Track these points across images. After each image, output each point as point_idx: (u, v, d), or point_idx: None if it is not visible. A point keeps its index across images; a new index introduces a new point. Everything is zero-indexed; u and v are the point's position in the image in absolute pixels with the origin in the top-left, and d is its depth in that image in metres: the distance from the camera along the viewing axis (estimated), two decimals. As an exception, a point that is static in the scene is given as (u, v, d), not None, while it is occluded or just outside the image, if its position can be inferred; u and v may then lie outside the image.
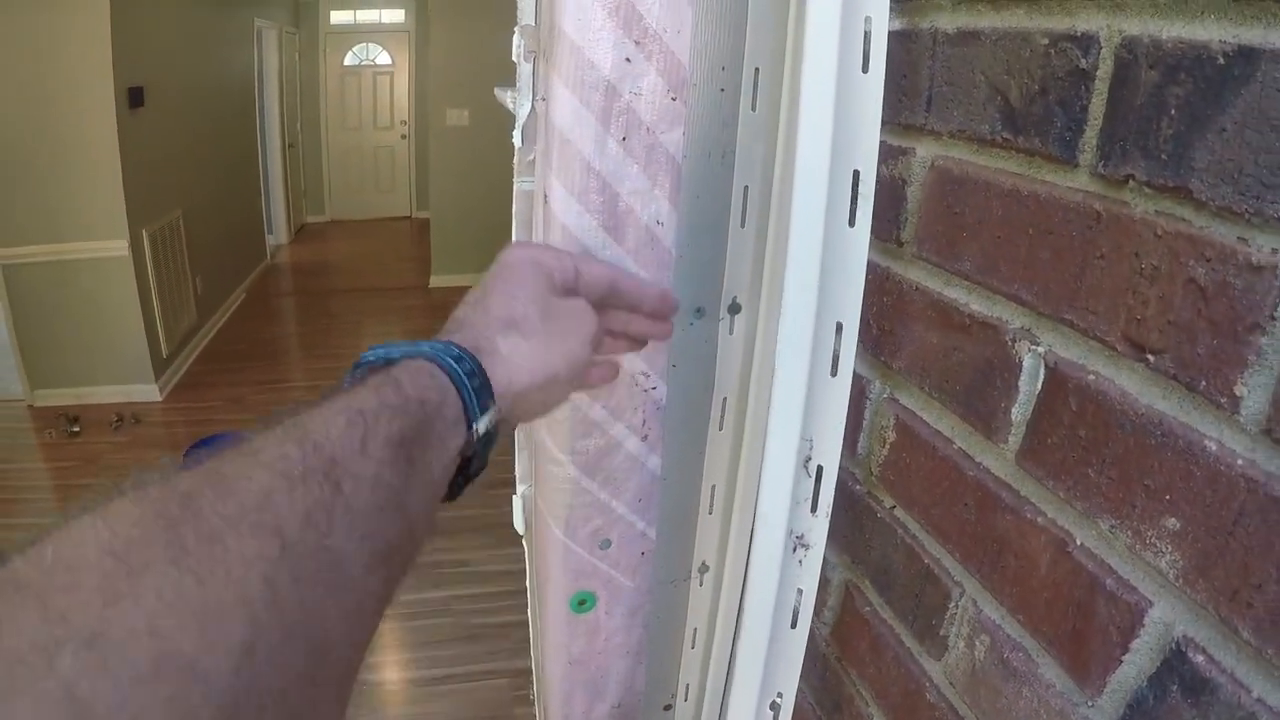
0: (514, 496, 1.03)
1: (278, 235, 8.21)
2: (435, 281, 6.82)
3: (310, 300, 6.86)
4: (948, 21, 0.48)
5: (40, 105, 3.97)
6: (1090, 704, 0.43)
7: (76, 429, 4.18)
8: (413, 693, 2.55)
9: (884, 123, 0.54)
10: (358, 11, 8.94)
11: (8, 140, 3.99)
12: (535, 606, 0.95)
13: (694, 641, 0.92)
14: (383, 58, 9.12)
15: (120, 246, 4.24)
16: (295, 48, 8.63)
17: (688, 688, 0.96)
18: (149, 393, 4.52)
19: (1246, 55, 0.32)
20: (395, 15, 8.96)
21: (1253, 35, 0.32)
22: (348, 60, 9.08)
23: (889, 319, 0.57)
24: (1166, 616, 0.38)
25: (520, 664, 2.60)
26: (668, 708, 0.99)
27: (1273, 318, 0.32)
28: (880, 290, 0.58)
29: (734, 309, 0.73)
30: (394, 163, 9.53)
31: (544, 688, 0.95)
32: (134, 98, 4.24)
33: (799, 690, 0.77)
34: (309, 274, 7.59)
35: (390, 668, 2.64)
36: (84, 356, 4.42)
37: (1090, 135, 0.39)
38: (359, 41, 9.06)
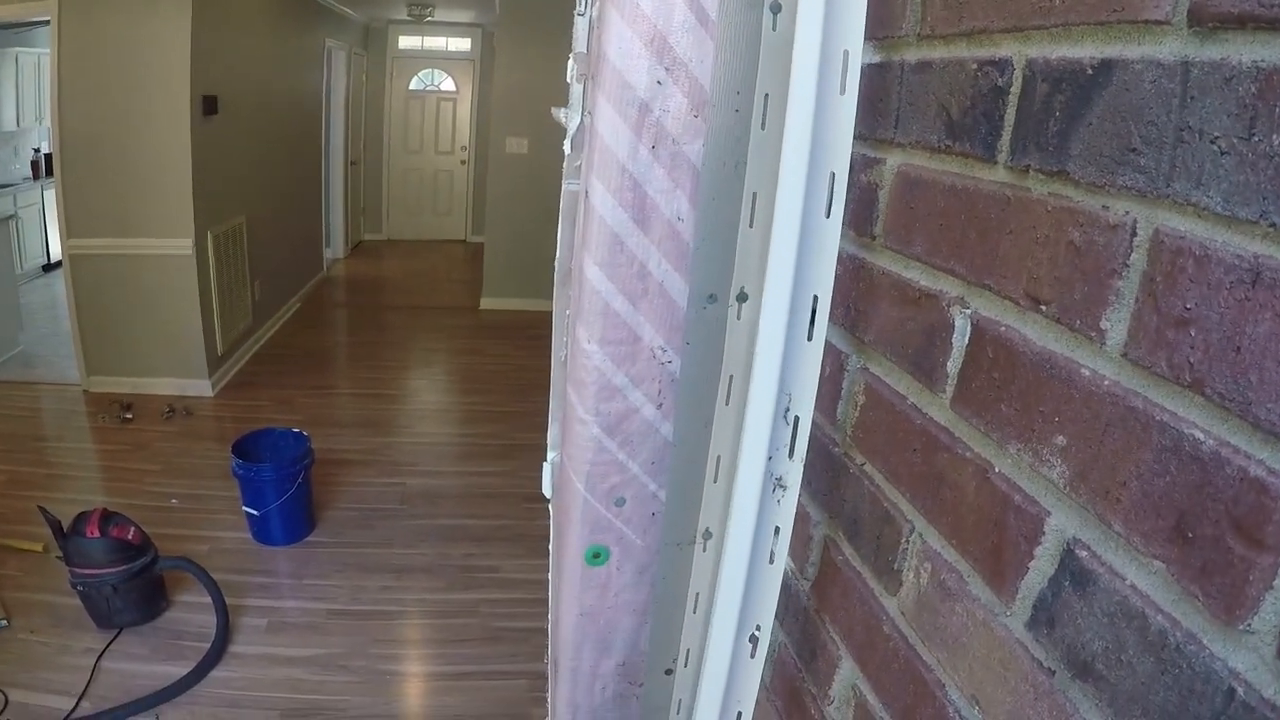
0: (544, 464, 1.14)
1: (335, 249, 8.49)
2: (485, 304, 7.00)
3: (362, 314, 7.09)
4: (912, 54, 0.59)
5: (119, 106, 4.19)
6: (1008, 612, 0.51)
7: (129, 416, 4.35)
8: (434, 685, 2.64)
9: (863, 138, 0.65)
10: (425, 38, 9.28)
11: (87, 136, 4.22)
12: (554, 565, 1.05)
13: (695, 606, 1.01)
14: (447, 84, 9.43)
15: (185, 245, 4.43)
16: (363, 69, 8.96)
17: (688, 653, 1.05)
18: (201, 387, 4.71)
19: (1107, 65, 0.42)
20: (462, 44, 9.28)
21: (1111, 50, 0.42)
22: (413, 84, 9.41)
23: (863, 301, 0.67)
24: (1060, 523, 0.47)
25: (539, 667, 2.68)
26: (669, 672, 1.08)
27: (1126, 264, 0.42)
28: (857, 278, 0.68)
29: (741, 297, 0.83)
30: (452, 187, 9.77)
31: (556, 642, 1.04)
32: (208, 106, 4.45)
33: (782, 644, 0.86)
34: (362, 289, 7.84)
35: (414, 660, 2.74)
36: (141, 348, 4.61)
37: (1005, 138, 0.49)
38: (425, 67, 9.39)
